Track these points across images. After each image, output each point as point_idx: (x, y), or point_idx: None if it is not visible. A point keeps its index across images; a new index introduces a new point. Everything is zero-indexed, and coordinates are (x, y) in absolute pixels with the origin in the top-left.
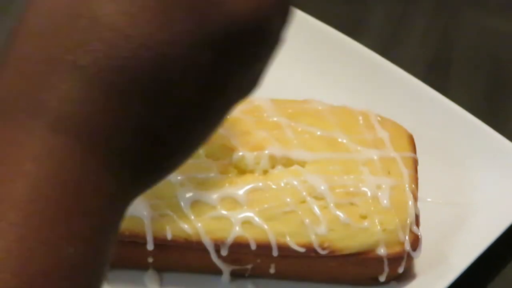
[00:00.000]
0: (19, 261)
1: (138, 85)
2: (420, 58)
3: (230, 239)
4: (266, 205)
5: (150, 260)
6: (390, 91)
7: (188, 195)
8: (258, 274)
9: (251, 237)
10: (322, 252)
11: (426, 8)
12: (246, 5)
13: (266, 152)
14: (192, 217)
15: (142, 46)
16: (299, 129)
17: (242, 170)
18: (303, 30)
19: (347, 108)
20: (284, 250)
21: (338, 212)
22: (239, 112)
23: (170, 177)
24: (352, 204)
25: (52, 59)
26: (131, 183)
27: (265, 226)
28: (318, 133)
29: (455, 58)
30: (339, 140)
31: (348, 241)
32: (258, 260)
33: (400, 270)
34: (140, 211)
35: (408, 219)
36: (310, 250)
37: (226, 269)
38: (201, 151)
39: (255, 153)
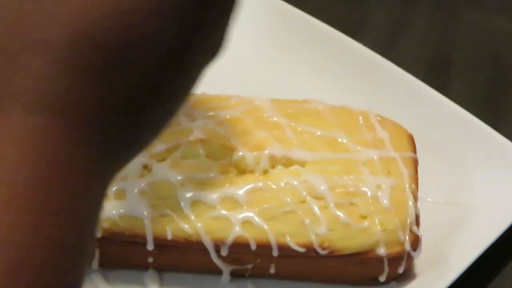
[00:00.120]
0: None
1: (108, 55)
2: (420, 58)
3: (230, 239)
4: (266, 205)
5: (150, 260)
6: (390, 91)
7: (188, 195)
8: (258, 274)
9: (251, 237)
10: (322, 252)
11: (426, 8)
12: None
13: (266, 152)
14: (192, 217)
15: (108, 15)
16: (299, 129)
17: (242, 170)
18: (303, 30)
19: (347, 108)
20: (284, 250)
21: (338, 212)
22: (239, 112)
23: (170, 177)
24: (352, 204)
25: (19, 37)
26: (112, 157)
27: (265, 226)
28: (318, 133)
29: (455, 58)
30: (339, 140)
31: (348, 241)
32: (258, 260)
33: (400, 270)
34: (140, 211)
35: (408, 219)
36: (310, 250)
37: (226, 269)
38: (201, 151)
39: (255, 153)
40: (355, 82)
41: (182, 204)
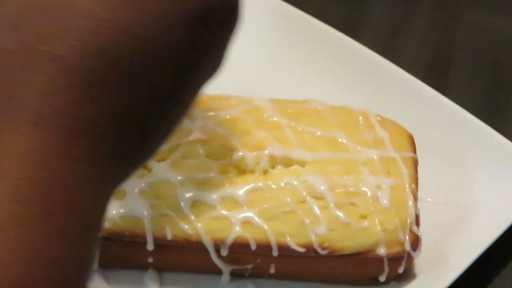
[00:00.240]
0: (1, 265)
1: (116, 70)
2: (420, 58)
3: (230, 239)
4: (266, 205)
5: (150, 260)
6: (390, 91)
7: (188, 195)
8: (258, 274)
9: (251, 237)
10: (322, 252)
11: (426, 8)
12: None
13: (266, 152)
14: (192, 217)
15: (117, 29)
16: (299, 129)
17: (242, 170)
18: (303, 30)
19: (347, 108)
20: (284, 250)
21: (338, 212)
22: (239, 112)
23: (170, 177)
24: (352, 204)
25: (28, 51)
26: (115, 172)
27: (265, 226)
28: (318, 133)
29: (455, 58)
30: (339, 140)
31: (348, 241)
32: (258, 260)
33: (400, 270)
34: (140, 211)
35: (408, 219)
36: (310, 250)
37: (226, 269)
38: (201, 151)
39: (255, 153)
40: (355, 82)
41: (182, 204)
